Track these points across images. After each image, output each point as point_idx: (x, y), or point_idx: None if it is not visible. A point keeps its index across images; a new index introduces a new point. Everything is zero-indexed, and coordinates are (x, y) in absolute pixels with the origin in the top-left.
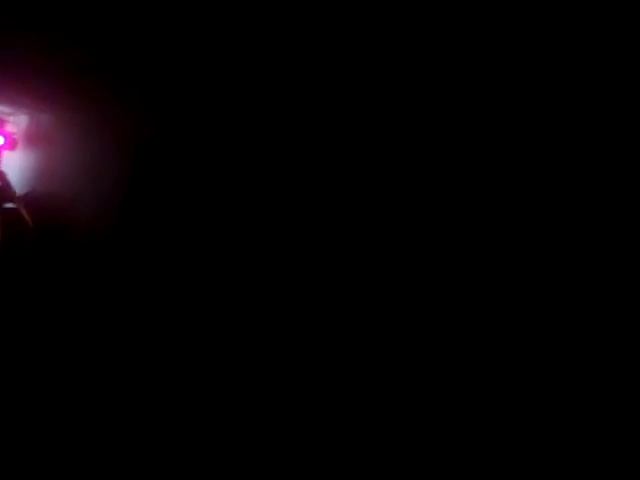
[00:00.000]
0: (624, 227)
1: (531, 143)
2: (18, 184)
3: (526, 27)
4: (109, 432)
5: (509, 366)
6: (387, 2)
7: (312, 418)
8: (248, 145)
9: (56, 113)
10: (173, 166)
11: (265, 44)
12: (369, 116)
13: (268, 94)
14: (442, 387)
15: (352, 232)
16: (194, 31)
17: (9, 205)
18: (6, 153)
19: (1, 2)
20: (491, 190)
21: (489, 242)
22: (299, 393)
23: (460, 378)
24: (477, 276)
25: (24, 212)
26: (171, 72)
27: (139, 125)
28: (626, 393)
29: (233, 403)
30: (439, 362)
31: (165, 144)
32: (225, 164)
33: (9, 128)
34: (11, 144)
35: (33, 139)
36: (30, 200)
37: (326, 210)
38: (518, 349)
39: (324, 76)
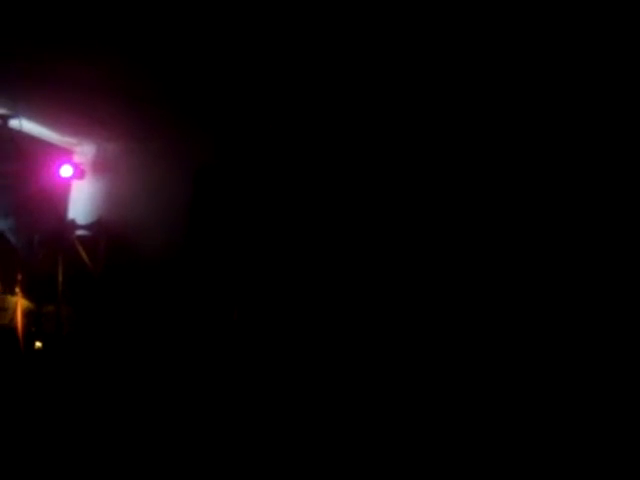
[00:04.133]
0: (624, 227)
1: (533, 146)
2: (86, 213)
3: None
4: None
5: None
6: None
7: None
8: (302, 168)
9: (121, 142)
10: (233, 191)
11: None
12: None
13: (329, 123)
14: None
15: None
16: (252, 64)
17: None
18: (75, 183)
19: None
20: (491, 196)
21: (490, 246)
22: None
23: (461, 379)
24: (478, 279)
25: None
26: (230, 102)
27: (201, 152)
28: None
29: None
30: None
31: (226, 170)
32: (283, 187)
33: (77, 158)
34: (79, 174)
35: (100, 168)
36: (98, 229)
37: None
38: (518, 349)
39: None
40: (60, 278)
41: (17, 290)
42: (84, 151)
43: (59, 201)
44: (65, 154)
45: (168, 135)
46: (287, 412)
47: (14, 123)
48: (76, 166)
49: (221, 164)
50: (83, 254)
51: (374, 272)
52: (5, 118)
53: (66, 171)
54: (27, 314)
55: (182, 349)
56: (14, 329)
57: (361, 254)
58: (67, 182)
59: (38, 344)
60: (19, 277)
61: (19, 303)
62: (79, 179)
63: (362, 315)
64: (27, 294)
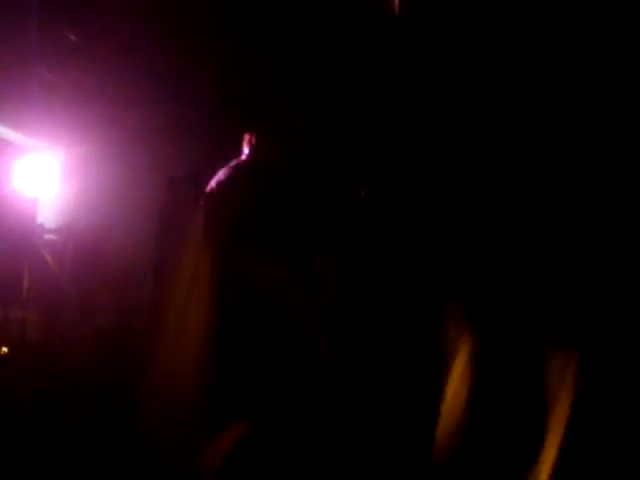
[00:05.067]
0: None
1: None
2: (55, 217)
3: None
4: None
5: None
6: None
7: None
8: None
9: (93, 146)
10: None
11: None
12: None
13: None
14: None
15: None
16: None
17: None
18: (44, 186)
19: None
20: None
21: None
22: None
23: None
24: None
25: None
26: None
27: (173, 161)
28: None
29: None
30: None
31: (198, 180)
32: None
33: (47, 161)
34: (49, 177)
35: (71, 172)
36: (66, 233)
37: None
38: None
39: None
40: (26, 283)
41: None
42: (55, 154)
43: (27, 205)
44: (35, 157)
45: (141, 141)
46: None
47: None
48: (46, 169)
49: (194, 173)
50: (49, 259)
51: None
52: None
53: (35, 174)
54: None
55: (156, 356)
56: None
57: None
58: (36, 185)
59: (4, 349)
60: None
61: None
62: (49, 182)
63: None
64: None
